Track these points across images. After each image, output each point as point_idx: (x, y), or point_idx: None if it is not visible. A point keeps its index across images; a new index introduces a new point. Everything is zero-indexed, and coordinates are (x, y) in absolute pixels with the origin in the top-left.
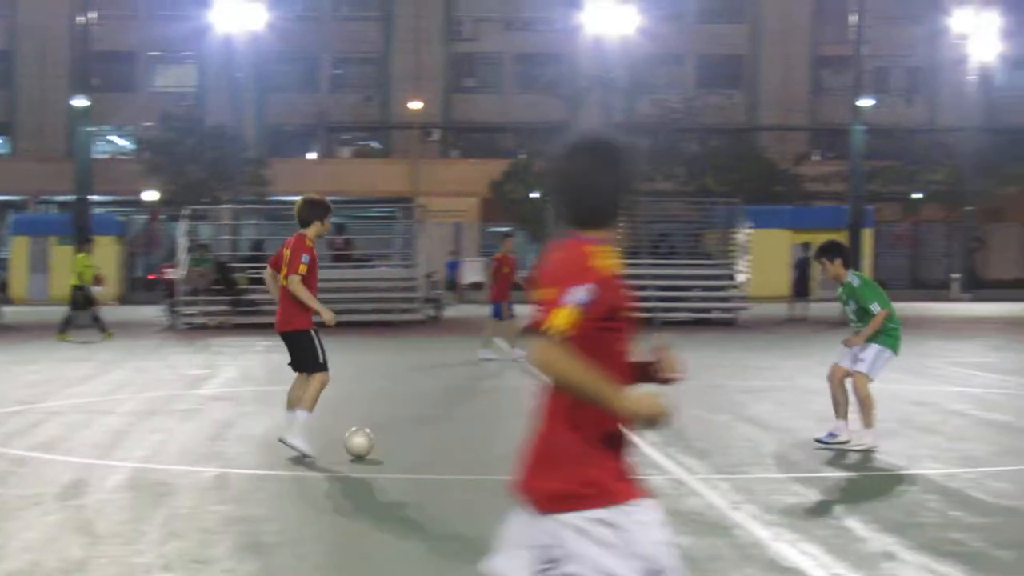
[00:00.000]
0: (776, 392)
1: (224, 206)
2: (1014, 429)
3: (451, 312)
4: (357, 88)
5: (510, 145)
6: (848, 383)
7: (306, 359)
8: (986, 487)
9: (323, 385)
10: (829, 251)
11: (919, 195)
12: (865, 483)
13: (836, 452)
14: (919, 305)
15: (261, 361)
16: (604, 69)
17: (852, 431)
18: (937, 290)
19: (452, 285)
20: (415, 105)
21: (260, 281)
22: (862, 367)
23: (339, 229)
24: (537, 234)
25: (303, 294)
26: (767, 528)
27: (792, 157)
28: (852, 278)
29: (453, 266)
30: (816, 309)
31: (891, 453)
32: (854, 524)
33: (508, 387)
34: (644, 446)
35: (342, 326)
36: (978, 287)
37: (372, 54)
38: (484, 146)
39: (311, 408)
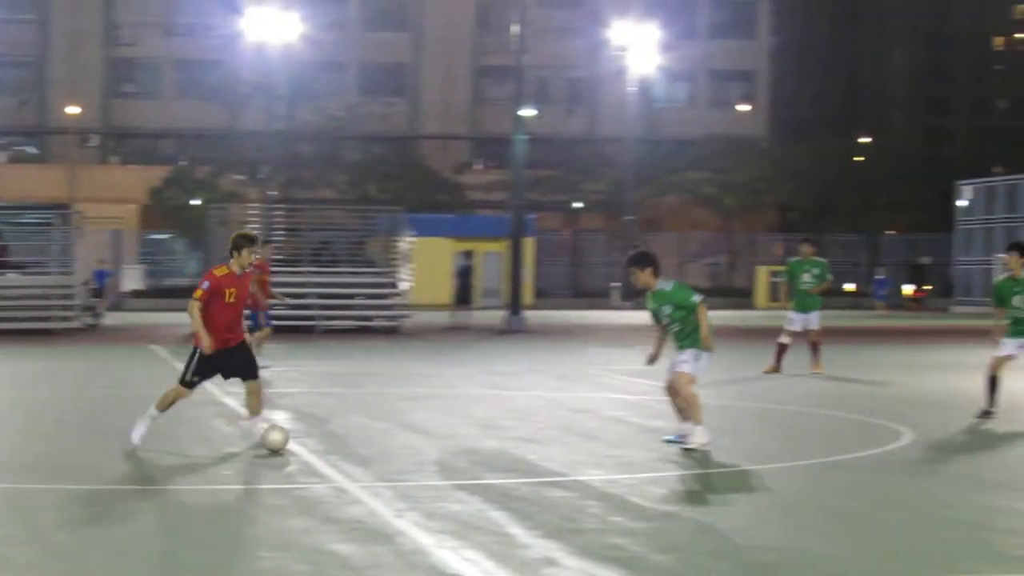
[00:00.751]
0: (438, 400)
1: None
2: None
3: (109, 320)
4: (12, 91)
5: (171, 151)
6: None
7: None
8: (645, 492)
9: (177, 394)
10: (640, 261)
11: (580, 204)
12: (527, 490)
13: (504, 459)
14: (580, 313)
15: None
16: (265, 76)
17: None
18: (597, 298)
19: (99, 293)
20: (73, 110)
21: None
22: (685, 368)
23: None
24: (197, 241)
25: (192, 316)
26: (430, 535)
27: (454, 166)
28: (663, 284)
29: (101, 275)
30: (478, 317)
31: (552, 459)
32: (516, 531)
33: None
34: (306, 454)
35: None
36: (638, 295)
37: (27, 57)
38: (144, 152)
39: (161, 407)
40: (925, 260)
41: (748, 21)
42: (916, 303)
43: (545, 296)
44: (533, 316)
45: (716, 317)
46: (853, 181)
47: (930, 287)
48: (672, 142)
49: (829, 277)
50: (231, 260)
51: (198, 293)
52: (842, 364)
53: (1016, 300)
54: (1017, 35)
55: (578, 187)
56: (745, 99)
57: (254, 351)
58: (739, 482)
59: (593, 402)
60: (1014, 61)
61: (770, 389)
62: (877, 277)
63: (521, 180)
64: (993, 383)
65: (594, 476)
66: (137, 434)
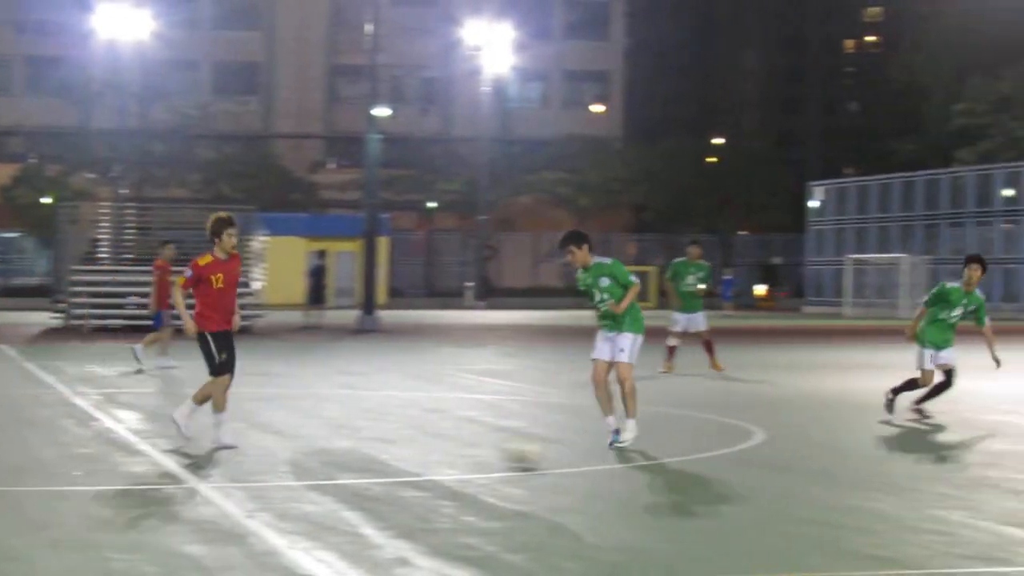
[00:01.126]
0: (291, 399)
1: None
2: (524, 435)
3: None
4: None
5: (20, 149)
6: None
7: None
8: (498, 492)
9: (215, 387)
10: (576, 239)
11: (434, 204)
12: (380, 490)
13: (357, 459)
14: (434, 313)
15: None
16: (117, 73)
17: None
18: (452, 298)
19: None
20: None
21: None
22: (624, 357)
23: None
24: (47, 240)
25: (175, 299)
26: (282, 536)
27: (308, 165)
28: (601, 259)
29: None
30: (331, 316)
31: (405, 459)
32: (369, 531)
33: (24, 395)
34: (157, 454)
35: None
36: (491, 295)
37: None
38: None
39: (199, 401)
40: (777, 260)
41: (602, 22)
42: (769, 303)
43: (399, 296)
44: (387, 316)
45: (569, 317)
46: (707, 182)
47: (787, 287)
48: (527, 142)
49: (709, 281)
50: (214, 247)
51: (180, 280)
52: (694, 364)
53: (958, 311)
54: (867, 38)
55: (432, 187)
56: (600, 100)
57: (143, 351)
58: (593, 482)
59: (446, 402)
60: (864, 64)
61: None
62: (724, 277)
63: (375, 179)
64: (911, 386)
65: (448, 476)
66: (225, 436)
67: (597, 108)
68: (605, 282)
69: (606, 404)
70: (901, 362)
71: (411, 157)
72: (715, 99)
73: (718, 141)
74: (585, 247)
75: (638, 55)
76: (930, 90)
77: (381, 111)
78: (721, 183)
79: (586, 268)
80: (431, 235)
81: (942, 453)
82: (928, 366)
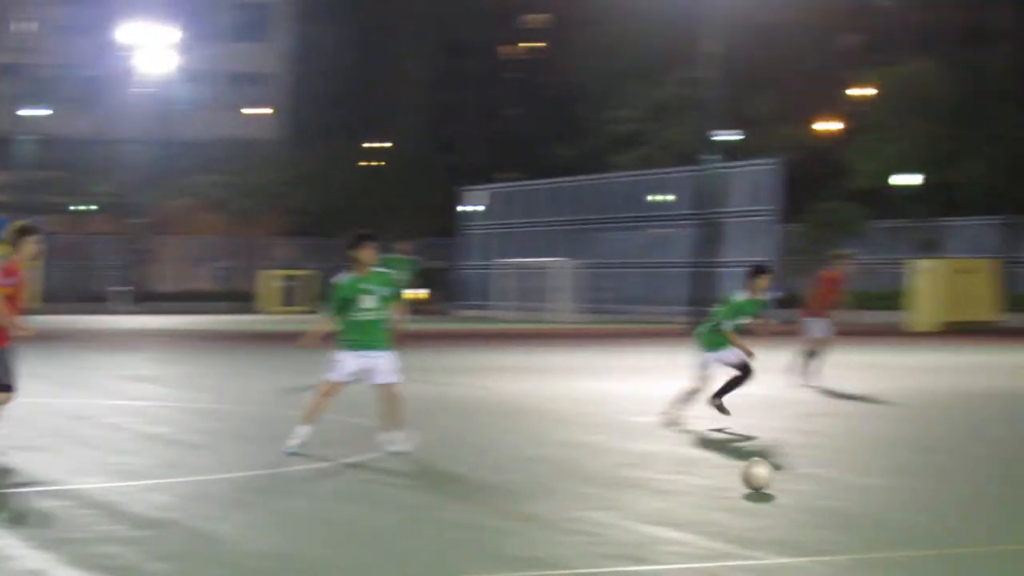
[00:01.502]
0: None
1: None
2: (173, 441)
3: None
4: None
5: None
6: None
7: None
8: (144, 500)
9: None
10: (374, 239)
11: (90, 206)
12: (18, 500)
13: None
14: (87, 318)
15: None
16: None
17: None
18: (105, 302)
19: None
20: None
21: None
22: (396, 377)
23: None
24: None
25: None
26: None
27: None
28: (382, 269)
29: None
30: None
31: (46, 468)
32: (6, 542)
33: None
34: None
35: None
36: (147, 299)
37: None
38: None
39: None
40: (434, 264)
41: (266, 24)
42: (430, 306)
43: (53, 300)
44: (36, 320)
45: (222, 321)
46: (370, 186)
47: (441, 291)
48: (185, 144)
49: (415, 277)
50: (13, 254)
51: (9, 290)
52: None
53: (750, 319)
54: (530, 44)
55: (88, 189)
56: (261, 102)
57: None
58: (242, 488)
59: (93, 408)
60: (527, 69)
61: (269, 392)
62: None
63: (26, 181)
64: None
65: (91, 484)
66: None
67: (259, 110)
68: (385, 292)
69: (315, 416)
70: (551, 365)
71: (66, 158)
72: (379, 103)
73: (381, 145)
74: (371, 246)
75: (302, 58)
76: (591, 96)
77: (34, 111)
78: (383, 187)
79: (363, 273)
80: (86, 238)
81: (590, 454)
82: (708, 369)
